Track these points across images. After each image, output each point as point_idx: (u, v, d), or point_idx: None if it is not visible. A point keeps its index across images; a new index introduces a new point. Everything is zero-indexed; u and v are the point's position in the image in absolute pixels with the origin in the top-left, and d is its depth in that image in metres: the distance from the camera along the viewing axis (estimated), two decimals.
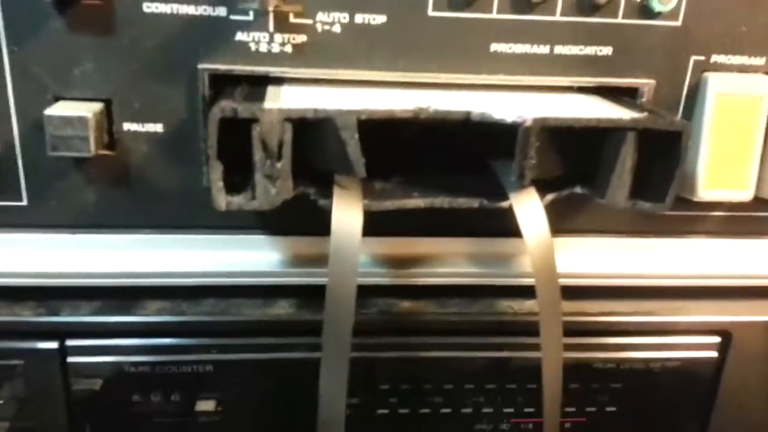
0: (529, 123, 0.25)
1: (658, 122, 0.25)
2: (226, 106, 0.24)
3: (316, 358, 0.31)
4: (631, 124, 0.25)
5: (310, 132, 0.26)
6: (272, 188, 0.25)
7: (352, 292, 0.25)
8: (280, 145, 0.25)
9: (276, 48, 0.28)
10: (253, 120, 0.24)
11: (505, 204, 0.27)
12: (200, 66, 0.28)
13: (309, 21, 0.27)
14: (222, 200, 0.25)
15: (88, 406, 0.31)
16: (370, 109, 0.25)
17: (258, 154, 0.25)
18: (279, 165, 0.25)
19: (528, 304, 0.33)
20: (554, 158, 0.27)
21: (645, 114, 0.26)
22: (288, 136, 0.25)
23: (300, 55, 0.28)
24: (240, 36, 0.27)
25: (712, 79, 0.29)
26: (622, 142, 0.26)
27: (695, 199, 0.31)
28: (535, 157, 0.25)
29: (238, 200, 0.25)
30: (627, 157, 0.26)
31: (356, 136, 0.25)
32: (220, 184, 0.25)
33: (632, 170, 0.26)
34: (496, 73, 0.29)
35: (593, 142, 0.27)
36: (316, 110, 0.25)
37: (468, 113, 0.26)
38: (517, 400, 0.34)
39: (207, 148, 0.24)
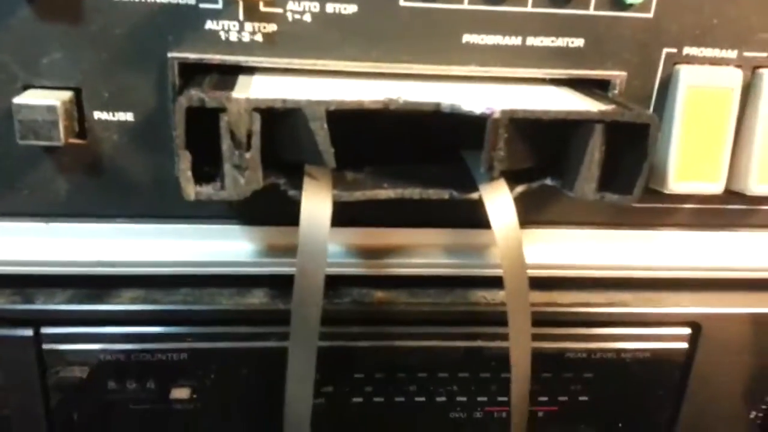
0: (497, 115, 0.25)
1: (625, 115, 0.25)
2: (193, 95, 0.24)
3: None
4: (599, 116, 0.25)
5: (280, 122, 0.26)
6: (241, 178, 0.25)
7: (320, 283, 0.26)
8: (249, 135, 0.25)
9: (246, 37, 0.28)
10: (221, 109, 0.24)
11: (474, 195, 0.27)
12: (170, 54, 0.27)
13: (279, 10, 0.27)
14: (191, 190, 0.25)
15: (64, 394, 0.31)
16: (339, 100, 0.25)
17: (226, 144, 0.25)
18: (248, 155, 0.25)
19: (501, 295, 0.33)
20: (523, 150, 0.27)
21: (613, 106, 0.26)
22: (257, 126, 0.25)
23: (271, 44, 0.28)
24: (210, 24, 0.27)
25: (684, 71, 0.29)
26: (590, 135, 0.26)
27: (666, 192, 0.31)
28: (504, 149, 0.26)
29: (207, 190, 0.25)
30: (595, 150, 0.26)
31: (325, 126, 0.25)
32: (189, 174, 0.25)
33: (600, 162, 0.26)
34: (468, 64, 0.29)
35: (562, 135, 0.27)
36: (284, 100, 0.25)
37: (437, 104, 0.26)
38: (491, 389, 0.34)
39: (175, 138, 0.24)
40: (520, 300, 0.27)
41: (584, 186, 0.27)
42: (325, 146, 0.25)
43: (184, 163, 0.25)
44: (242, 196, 0.25)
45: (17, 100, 0.26)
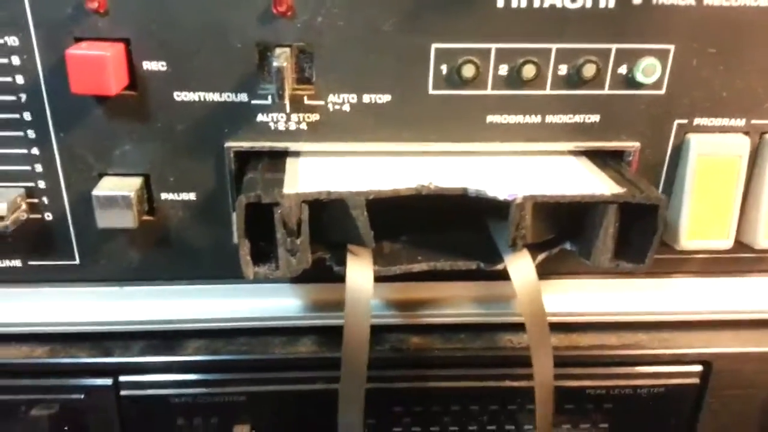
0: (519, 200, 0.28)
1: (636, 197, 0.28)
2: (251, 195, 0.27)
3: (335, 389, 0.36)
4: (612, 198, 0.28)
5: (325, 209, 0.29)
6: (293, 260, 0.29)
7: (365, 347, 0.29)
8: (299, 224, 0.28)
9: (293, 126, 0.31)
10: (275, 204, 0.28)
11: (500, 266, 0.30)
12: (226, 144, 0.31)
13: (321, 102, 0.30)
14: (250, 271, 0.29)
15: None
16: (377, 190, 0.28)
17: (280, 233, 0.28)
18: (298, 241, 0.28)
19: (525, 338, 0.36)
20: (544, 226, 0.30)
21: (625, 189, 0.29)
22: (305, 216, 0.28)
23: (314, 131, 0.31)
24: (260, 117, 0.31)
25: (694, 140, 0.32)
26: (604, 214, 0.28)
27: (678, 248, 0.33)
28: (526, 227, 0.28)
29: (264, 270, 0.29)
30: (609, 226, 0.29)
31: (365, 213, 0.28)
32: (248, 258, 0.28)
33: (614, 236, 0.29)
34: (492, 141, 0.32)
35: (579, 211, 0.30)
36: (329, 192, 0.28)
37: (465, 189, 0.29)
38: (518, 418, 0.38)
39: (236, 229, 0.28)
40: (542, 343, 0.30)
41: (600, 257, 0.30)
42: (365, 230, 0.29)
43: (243, 249, 0.28)
44: (294, 275, 0.29)
45: (96, 192, 0.30)
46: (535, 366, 0.30)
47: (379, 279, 0.29)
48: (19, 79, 0.29)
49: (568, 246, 0.31)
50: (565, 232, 0.31)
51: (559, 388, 0.36)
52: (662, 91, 0.31)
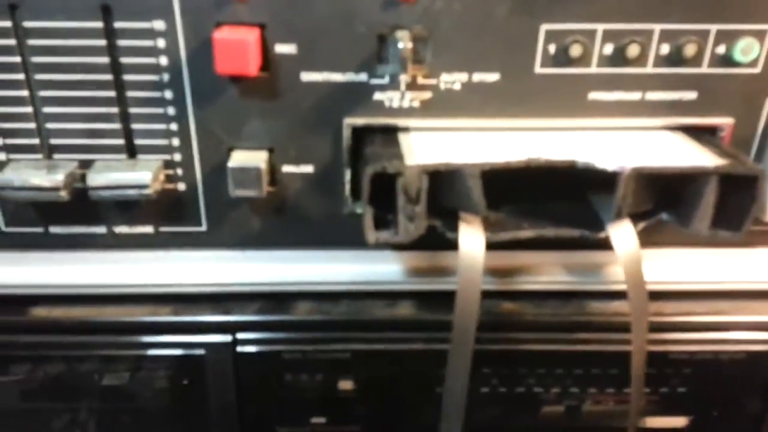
0: (627, 172, 0.30)
1: (738, 168, 0.30)
2: (378, 165, 0.30)
3: (432, 349, 0.39)
4: (715, 170, 0.30)
5: (441, 179, 0.31)
6: (411, 226, 0.31)
7: (476, 306, 0.32)
8: (418, 192, 0.31)
9: (406, 104, 0.33)
10: (398, 174, 0.30)
11: (603, 235, 0.32)
12: (345, 120, 0.34)
13: (434, 81, 0.33)
14: (372, 236, 0.32)
15: (253, 385, 0.40)
16: (491, 162, 0.31)
17: (401, 201, 0.31)
18: (417, 209, 0.31)
19: (613, 305, 0.38)
20: (646, 195, 0.32)
21: (727, 161, 0.30)
22: (425, 185, 0.31)
23: (426, 108, 0.34)
24: (377, 95, 0.33)
25: None
26: (705, 184, 0.30)
27: (766, 221, 0.35)
28: (630, 197, 0.31)
29: (385, 236, 0.32)
30: (710, 196, 0.31)
31: (480, 183, 0.31)
32: (372, 223, 0.31)
33: (714, 205, 0.31)
34: (593, 117, 0.34)
35: (678, 182, 0.31)
36: (448, 164, 0.31)
37: (573, 162, 0.31)
38: (601, 382, 0.40)
39: (362, 197, 0.31)
40: (641, 317, 0.32)
41: (699, 224, 0.31)
42: (479, 199, 0.31)
43: (368, 217, 0.31)
44: (412, 240, 0.32)
45: (231, 164, 0.33)
46: (635, 331, 0.32)
47: (487, 246, 0.32)
48: (163, 61, 0.32)
49: (664, 216, 0.33)
50: (662, 203, 0.33)
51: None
52: (758, 70, 0.33)
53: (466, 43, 0.32)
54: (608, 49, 0.32)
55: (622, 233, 0.31)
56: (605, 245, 0.32)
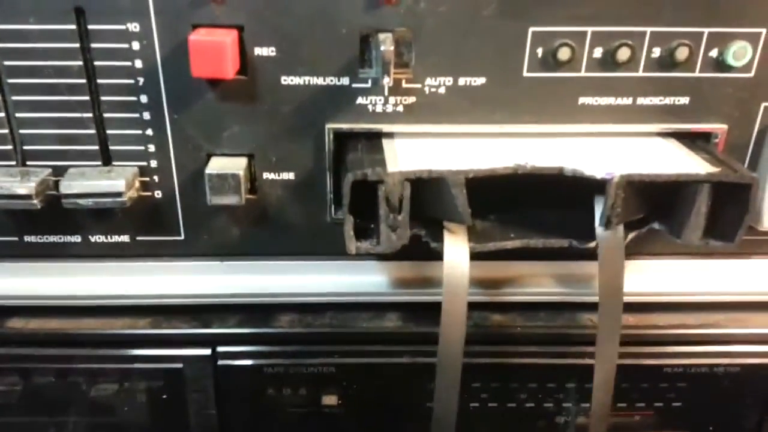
0: (617, 179, 0.29)
1: (730, 177, 0.29)
2: (358, 172, 0.29)
3: (419, 363, 0.37)
4: (707, 178, 0.29)
5: (424, 186, 0.30)
6: (393, 236, 0.30)
7: (463, 318, 0.31)
8: (401, 201, 0.30)
9: (390, 108, 0.32)
10: (379, 181, 0.29)
11: (591, 245, 0.31)
12: (327, 126, 0.33)
13: (419, 85, 0.32)
14: (353, 246, 0.30)
15: (234, 399, 0.38)
16: (476, 169, 0.30)
17: (383, 209, 0.30)
18: (399, 217, 0.30)
19: None
20: (636, 204, 0.31)
21: (718, 169, 0.29)
22: (407, 193, 0.30)
23: (410, 113, 0.32)
24: (360, 100, 0.32)
25: None
26: (697, 192, 0.29)
27: (761, 229, 0.34)
28: (620, 206, 0.29)
29: (365, 246, 0.30)
30: (702, 205, 0.29)
31: (464, 191, 0.30)
32: (352, 233, 0.30)
33: (706, 215, 0.30)
34: (583, 123, 0.33)
35: (669, 190, 0.30)
36: (431, 171, 0.29)
37: (561, 169, 0.30)
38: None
39: (342, 205, 0.30)
40: (613, 327, 0.31)
41: (691, 234, 0.30)
42: (464, 208, 0.30)
43: (348, 225, 0.30)
44: (394, 250, 0.30)
45: (208, 170, 0.32)
46: (599, 346, 0.31)
47: (473, 256, 0.31)
48: (138, 64, 0.31)
49: (656, 225, 0.32)
50: (653, 212, 0.32)
51: (636, 366, 0.37)
52: (751, 74, 0.32)
53: (451, 45, 0.31)
54: (598, 52, 0.31)
55: (610, 241, 0.30)
56: (596, 255, 0.30)
